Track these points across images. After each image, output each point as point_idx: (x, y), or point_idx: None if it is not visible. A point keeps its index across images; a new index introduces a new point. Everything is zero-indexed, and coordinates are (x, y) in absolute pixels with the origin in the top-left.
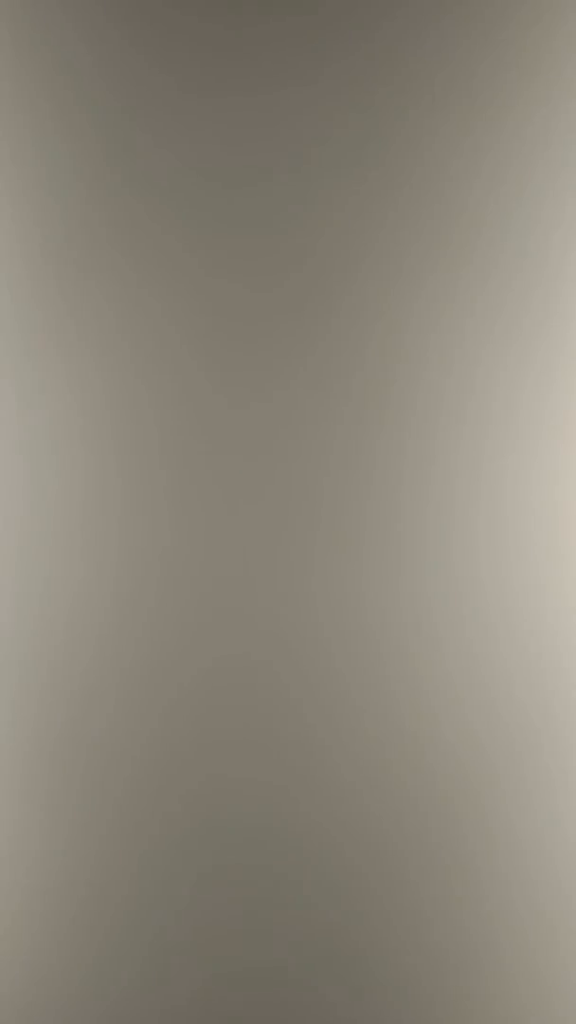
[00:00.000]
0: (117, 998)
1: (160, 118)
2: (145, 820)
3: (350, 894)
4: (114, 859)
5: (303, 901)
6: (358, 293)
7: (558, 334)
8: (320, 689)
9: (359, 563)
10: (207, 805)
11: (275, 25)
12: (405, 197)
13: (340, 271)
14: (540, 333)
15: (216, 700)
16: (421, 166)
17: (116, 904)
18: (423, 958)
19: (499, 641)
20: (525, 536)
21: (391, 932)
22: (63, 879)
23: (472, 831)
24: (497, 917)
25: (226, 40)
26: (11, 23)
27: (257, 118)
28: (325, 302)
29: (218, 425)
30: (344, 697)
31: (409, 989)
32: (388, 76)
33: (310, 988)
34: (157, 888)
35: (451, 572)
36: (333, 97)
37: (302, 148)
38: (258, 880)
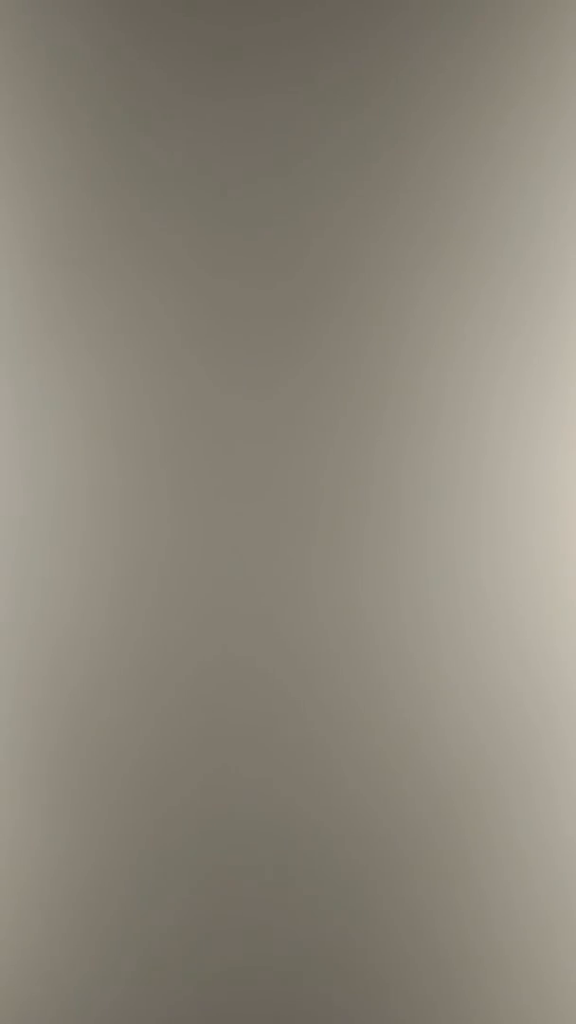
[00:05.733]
0: (117, 996)
1: (160, 118)
2: (144, 818)
3: (350, 892)
4: (114, 858)
5: (303, 899)
6: (358, 292)
7: (558, 333)
8: (319, 687)
9: (359, 562)
10: (206, 804)
11: (275, 26)
12: (405, 196)
13: (340, 270)
14: (540, 331)
15: (215, 699)
16: (421, 165)
17: (116, 902)
18: (423, 956)
19: (498, 639)
20: (525, 535)
21: (391, 929)
22: (62, 878)
23: (472, 829)
24: (497, 915)
25: (226, 40)
26: (11, 23)
27: (257, 118)
28: (325, 301)
29: (218, 423)
30: (343, 695)
31: (410, 987)
32: (387, 76)
33: (310, 986)
34: (157, 886)
35: (451, 571)
36: (332, 97)
37: (302, 148)
38: (258, 878)
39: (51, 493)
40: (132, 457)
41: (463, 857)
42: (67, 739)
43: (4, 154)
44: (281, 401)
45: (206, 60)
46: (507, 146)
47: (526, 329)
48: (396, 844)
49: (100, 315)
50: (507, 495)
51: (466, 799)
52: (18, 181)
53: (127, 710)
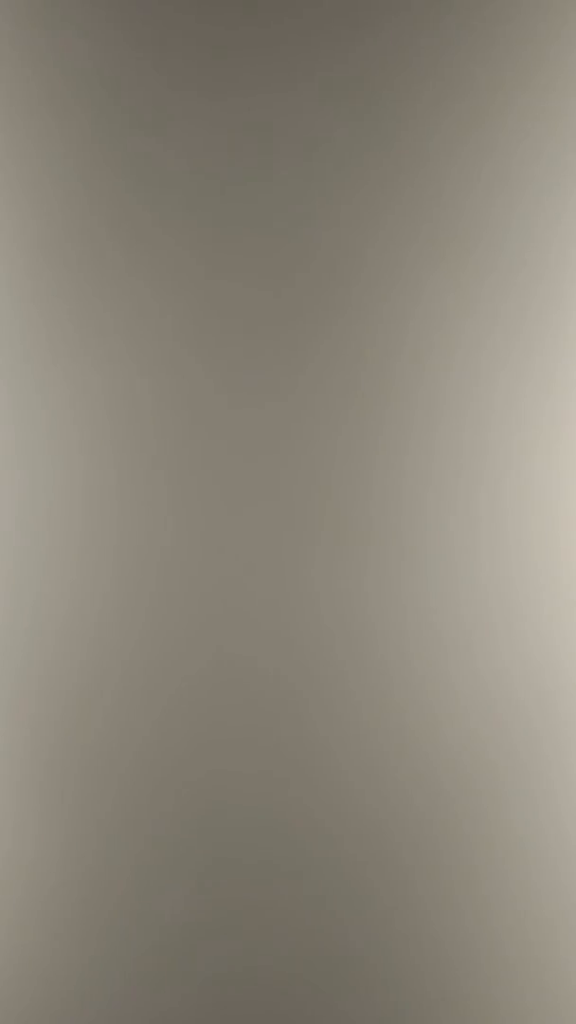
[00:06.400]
0: (116, 996)
1: (160, 118)
2: (144, 817)
3: (350, 891)
4: (113, 856)
5: (303, 898)
6: (359, 294)
7: (558, 334)
8: (321, 687)
9: (360, 563)
10: (207, 802)
11: (275, 25)
12: (406, 197)
13: (341, 272)
14: (540, 333)
15: (216, 698)
16: (422, 166)
17: (115, 901)
18: (423, 955)
19: (499, 638)
20: (526, 536)
21: (391, 928)
22: (61, 877)
23: (472, 827)
24: (497, 914)
25: (226, 40)
26: (11, 23)
27: (257, 118)
28: (326, 303)
29: (219, 425)
30: (345, 694)
31: (409, 986)
32: (389, 76)
33: (310, 985)
34: (156, 885)
35: (452, 571)
36: (334, 97)
37: (303, 148)
38: (258, 877)
39: (49, 494)
40: (131, 460)
41: (464, 856)
42: (66, 738)
43: (3, 154)
44: (282, 402)
45: (205, 60)
46: (507, 146)
47: (526, 329)
48: (397, 843)
49: (99, 316)
50: (508, 496)
51: (467, 799)
52: (16, 181)
53: (127, 709)
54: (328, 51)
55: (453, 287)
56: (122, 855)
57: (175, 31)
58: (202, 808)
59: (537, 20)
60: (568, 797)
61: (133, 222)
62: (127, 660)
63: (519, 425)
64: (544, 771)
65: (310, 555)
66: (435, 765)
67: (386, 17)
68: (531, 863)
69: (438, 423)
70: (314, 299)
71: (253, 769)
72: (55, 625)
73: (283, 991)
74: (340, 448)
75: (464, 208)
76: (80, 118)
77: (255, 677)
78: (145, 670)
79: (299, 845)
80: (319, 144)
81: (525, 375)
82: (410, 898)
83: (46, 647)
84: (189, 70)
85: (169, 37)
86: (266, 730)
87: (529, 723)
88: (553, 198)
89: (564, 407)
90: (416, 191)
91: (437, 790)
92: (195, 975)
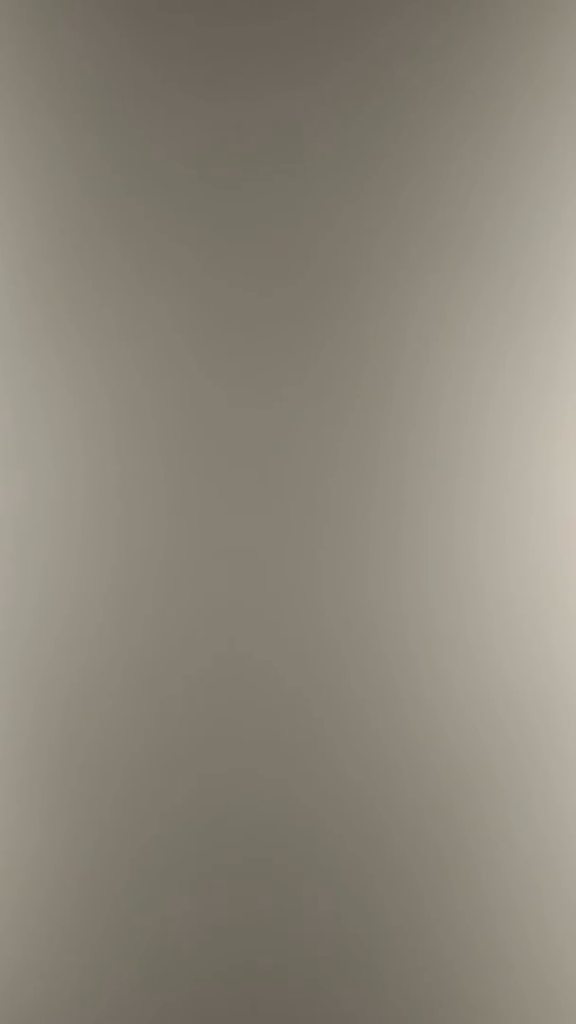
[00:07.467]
0: (116, 995)
1: (161, 119)
2: (146, 816)
3: (351, 890)
4: (114, 856)
5: (304, 897)
6: (360, 295)
7: (558, 336)
8: (322, 686)
9: (361, 563)
10: (208, 801)
11: (275, 25)
12: (406, 198)
13: (342, 273)
14: (540, 334)
15: (218, 697)
16: (422, 167)
17: (115, 901)
18: (424, 954)
19: (499, 639)
20: (525, 536)
21: (391, 928)
22: (61, 876)
23: (472, 826)
24: (498, 914)
25: (226, 40)
26: (12, 23)
27: (258, 119)
28: (326, 304)
29: (220, 427)
30: (346, 694)
31: (410, 986)
32: (389, 77)
33: (310, 985)
34: (157, 884)
35: (452, 571)
36: (334, 98)
37: (303, 149)
38: (259, 876)
39: (50, 494)
40: (132, 461)
41: (464, 856)
42: (67, 737)
43: (3, 154)
44: (283, 403)
45: (206, 60)
46: (508, 147)
47: (526, 331)
48: (397, 840)
49: (99, 317)
50: (507, 495)
51: (466, 798)
52: (17, 181)
53: (128, 708)
54: (328, 51)
55: (453, 288)
56: (123, 855)
57: (176, 31)
58: (204, 807)
59: (537, 20)
60: (566, 795)
61: (133, 222)
62: (129, 659)
63: (519, 426)
64: (542, 769)
65: (310, 555)
66: (435, 764)
67: (386, 17)
68: (530, 861)
69: (438, 424)
70: (314, 299)
71: (255, 769)
72: (57, 625)
73: (283, 991)
74: (341, 448)
75: (464, 208)
76: (80, 118)
77: (257, 677)
78: (147, 670)
79: (300, 844)
80: (319, 144)
81: (525, 375)
82: (410, 896)
83: (48, 647)
84: (189, 70)
85: (170, 37)
86: (268, 730)
87: (527, 719)
88: (553, 198)
89: (564, 407)
90: (416, 191)
91: (437, 788)
92: (195, 975)
